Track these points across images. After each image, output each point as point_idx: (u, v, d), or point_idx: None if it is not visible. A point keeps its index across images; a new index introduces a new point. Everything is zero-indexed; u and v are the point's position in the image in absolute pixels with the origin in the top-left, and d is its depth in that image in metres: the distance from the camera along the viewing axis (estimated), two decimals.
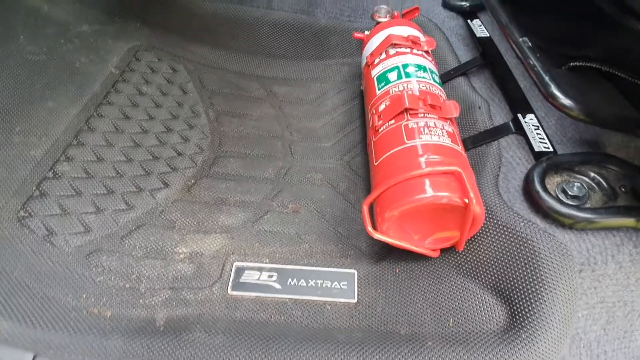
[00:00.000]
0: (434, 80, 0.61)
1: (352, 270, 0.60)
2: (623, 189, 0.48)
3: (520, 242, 0.48)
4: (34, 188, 0.61)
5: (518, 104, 0.65)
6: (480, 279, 0.52)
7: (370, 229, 0.50)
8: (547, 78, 0.48)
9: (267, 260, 0.61)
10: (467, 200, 0.44)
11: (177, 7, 0.90)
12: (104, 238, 0.60)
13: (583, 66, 0.69)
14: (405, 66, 0.62)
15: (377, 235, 0.50)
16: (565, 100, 0.47)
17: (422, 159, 0.46)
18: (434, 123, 0.52)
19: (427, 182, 0.45)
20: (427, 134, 0.50)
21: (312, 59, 0.96)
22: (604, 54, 0.73)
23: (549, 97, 0.48)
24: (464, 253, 0.54)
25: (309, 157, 0.78)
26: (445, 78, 0.78)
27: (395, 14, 0.79)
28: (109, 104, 0.75)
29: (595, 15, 0.72)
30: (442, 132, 0.51)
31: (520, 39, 0.54)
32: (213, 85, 0.89)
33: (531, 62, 0.51)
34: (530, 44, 0.54)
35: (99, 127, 0.71)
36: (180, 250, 0.61)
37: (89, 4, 0.86)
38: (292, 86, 0.92)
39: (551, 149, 0.56)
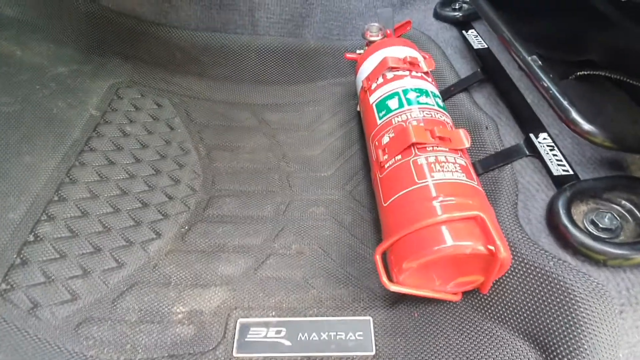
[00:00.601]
0: (438, 105, 0.57)
1: (366, 317, 0.55)
2: None
3: (552, 283, 0.44)
4: (15, 256, 0.56)
5: (528, 121, 0.61)
6: (509, 323, 0.47)
7: (385, 280, 0.45)
8: (565, 102, 0.44)
9: (273, 312, 0.56)
10: (492, 248, 0.39)
11: (157, 39, 0.85)
12: (93, 304, 0.54)
13: (591, 75, 0.65)
14: (405, 92, 0.58)
15: (394, 288, 0.45)
16: (588, 127, 0.43)
17: (438, 203, 0.42)
18: (445, 157, 0.47)
19: (447, 230, 0.40)
20: (439, 170, 0.46)
21: (303, 82, 0.92)
22: (608, 58, 0.69)
23: (571, 124, 0.43)
24: (488, 295, 0.49)
25: (308, 189, 0.73)
26: (446, 95, 0.74)
27: (388, 32, 0.75)
28: (91, 151, 0.70)
29: (593, 16, 0.69)
30: (455, 167, 0.47)
31: (530, 58, 0.50)
32: (201, 118, 0.84)
33: (545, 85, 0.47)
34: (540, 62, 0.49)
35: (82, 177, 0.66)
36: (178, 310, 0.56)
37: (64, 43, 0.81)
38: (284, 112, 0.88)
39: (571, 172, 0.52)
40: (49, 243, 0.58)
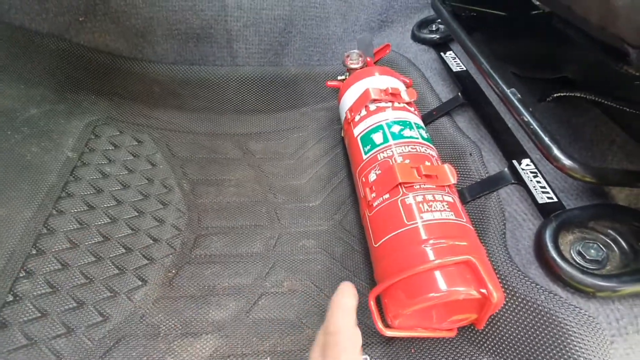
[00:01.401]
0: (422, 138, 0.57)
1: (364, 356, 0.54)
2: None
3: (545, 317, 0.44)
4: None
5: (510, 146, 0.62)
6: (505, 356, 0.48)
7: (380, 326, 0.45)
8: (547, 139, 0.45)
9: (268, 358, 0.55)
10: (485, 291, 0.39)
11: (134, 74, 0.83)
12: None
13: (568, 96, 0.67)
14: (389, 125, 0.58)
15: (390, 333, 0.45)
16: (570, 164, 0.43)
17: (429, 248, 0.42)
18: (433, 196, 0.47)
19: (440, 276, 0.40)
20: (427, 210, 0.46)
21: (286, 109, 0.91)
22: (581, 76, 0.71)
23: (553, 161, 0.44)
24: (483, 329, 0.49)
25: (297, 221, 0.73)
26: (428, 119, 0.75)
27: (368, 59, 0.75)
28: (68, 196, 0.67)
29: (564, 39, 0.71)
30: (443, 206, 0.47)
31: (509, 91, 0.51)
32: (184, 152, 0.82)
33: (525, 119, 0.48)
34: (519, 95, 0.50)
35: (60, 226, 0.63)
36: None
37: (35, 83, 0.78)
38: (269, 141, 0.87)
39: (555, 200, 0.52)
40: (29, 302, 0.55)
